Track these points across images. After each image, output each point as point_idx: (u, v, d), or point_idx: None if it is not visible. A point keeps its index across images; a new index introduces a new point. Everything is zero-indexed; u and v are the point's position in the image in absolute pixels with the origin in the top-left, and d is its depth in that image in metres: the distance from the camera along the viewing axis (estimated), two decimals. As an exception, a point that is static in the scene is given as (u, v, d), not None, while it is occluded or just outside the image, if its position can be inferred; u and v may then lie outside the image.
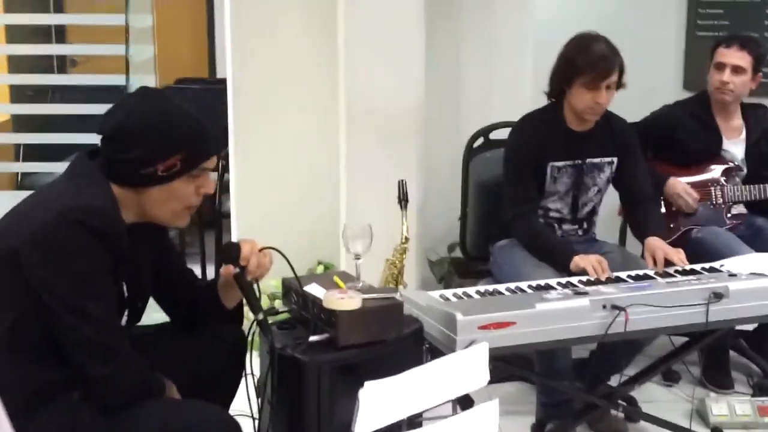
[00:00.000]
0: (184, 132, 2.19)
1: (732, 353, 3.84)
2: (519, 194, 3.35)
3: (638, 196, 3.44)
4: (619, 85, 3.27)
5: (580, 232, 3.50)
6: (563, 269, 3.15)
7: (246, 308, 2.45)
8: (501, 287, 2.90)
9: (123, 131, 2.16)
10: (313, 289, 2.46)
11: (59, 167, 4.80)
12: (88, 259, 2.07)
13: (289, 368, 2.28)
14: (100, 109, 4.46)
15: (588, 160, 3.37)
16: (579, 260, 3.10)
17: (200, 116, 2.25)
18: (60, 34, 6.32)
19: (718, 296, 2.73)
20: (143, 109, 2.19)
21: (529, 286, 2.89)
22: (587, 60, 3.18)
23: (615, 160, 3.42)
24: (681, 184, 3.75)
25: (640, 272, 3.04)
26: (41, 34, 6.11)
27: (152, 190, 2.19)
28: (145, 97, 2.27)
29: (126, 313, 2.29)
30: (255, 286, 2.35)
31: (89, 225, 2.06)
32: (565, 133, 3.36)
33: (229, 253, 2.33)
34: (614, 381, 3.23)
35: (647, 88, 4.56)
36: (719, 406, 3.37)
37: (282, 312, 2.56)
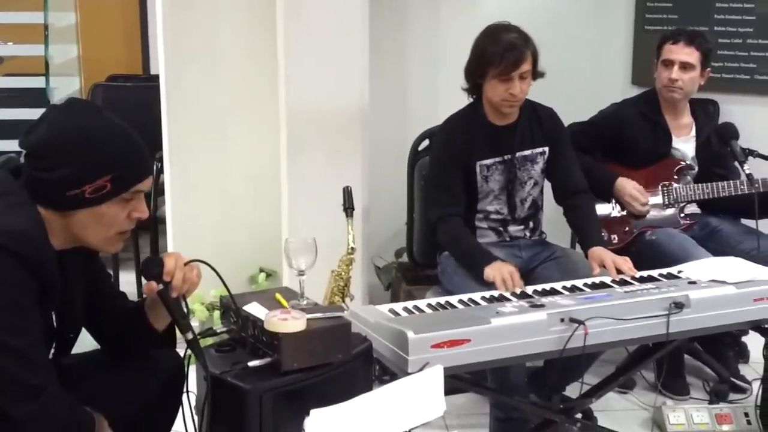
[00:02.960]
0: (114, 150, 2.02)
1: (686, 356, 3.77)
2: (442, 198, 3.27)
3: (572, 188, 3.37)
4: (536, 74, 3.18)
5: (527, 233, 3.41)
6: (478, 277, 3.04)
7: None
8: (453, 299, 2.78)
9: (46, 147, 1.99)
10: (254, 308, 2.30)
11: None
12: (10, 288, 1.90)
13: (228, 396, 2.12)
14: (18, 114, 4.33)
15: (518, 154, 3.29)
16: (489, 271, 2.98)
17: (134, 133, 2.08)
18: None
19: (678, 306, 2.63)
20: (70, 123, 2.02)
21: (483, 298, 2.78)
22: (496, 50, 3.11)
23: (546, 149, 3.35)
24: (630, 185, 3.67)
25: (597, 280, 2.94)
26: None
27: (79, 214, 2.02)
28: (73, 110, 2.08)
29: (54, 345, 2.12)
30: (183, 303, 2.18)
31: (12, 251, 1.88)
32: (489, 130, 3.28)
33: (151, 268, 2.15)
34: (570, 390, 3.14)
35: (595, 84, 4.55)
36: (676, 415, 3.31)
37: (220, 332, 2.39)
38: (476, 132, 3.27)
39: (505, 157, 3.28)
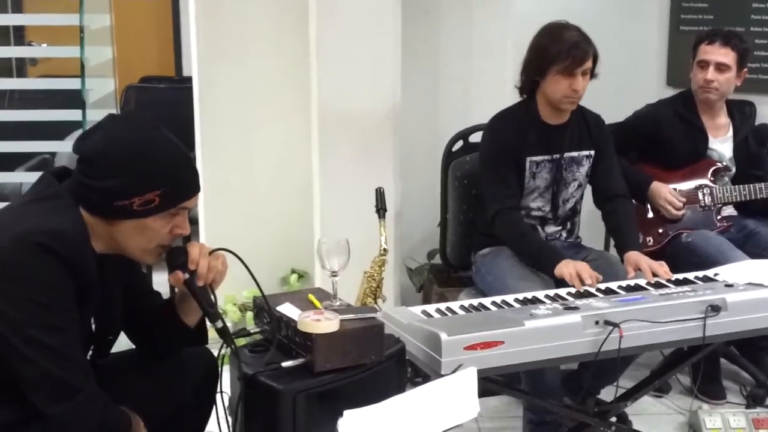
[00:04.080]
0: (167, 166, 2.04)
1: (723, 360, 3.73)
2: (500, 191, 3.24)
3: (611, 191, 3.36)
4: (593, 74, 3.20)
5: (564, 234, 3.39)
6: (546, 272, 3.06)
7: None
8: (486, 301, 2.76)
9: (100, 156, 2.01)
10: (287, 309, 2.30)
11: (11, 177, 4.64)
12: (50, 287, 1.92)
13: (261, 396, 2.12)
14: (53, 115, 4.37)
15: (566, 154, 3.29)
16: (564, 268, 2.98)
17: (186, 150, 2.11)
18: (19, 35, 6.14)
19: (715, 309, 2.60)
20: (126, 135, 2.03)
21: (516, 300, 2.76)
22: (561, 47, 3.12)
23: (592, 153, 3.34)
24: (665, 190, 3.63)
25: (632, 282, 2.91)
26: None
27: (123, 224, 2.04)
28: (130, 122, 2.12)
29: (92, 347, 2.14)
30: (210, 292, 2.18)
31: (54, 250, 1.90)
32: (540, 127, 3.28)
33: (175, 258, 2.15)
34: (605, 393, 3.11)
35: (629, 85, 4.50)
36: (713, 419, 3.26)
37: (254, 332, 2.39)
38: (528, 128, 3.27)
39: (554, 156, 3.27)
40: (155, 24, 6.62)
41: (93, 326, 2.11)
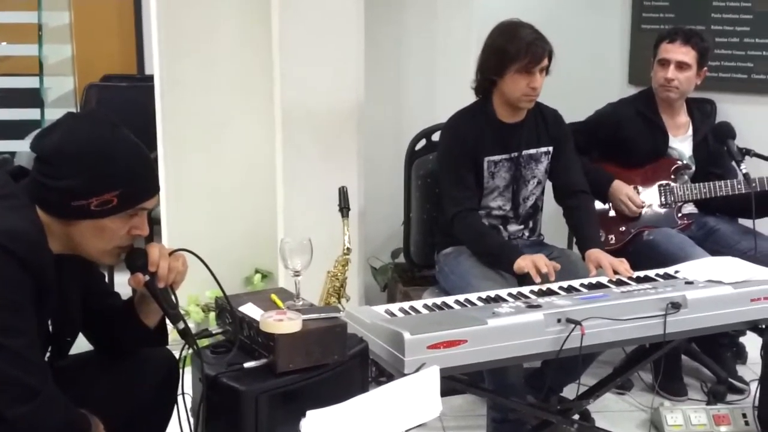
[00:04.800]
0: (126, 166, 2.00)
1: (684, 357, 3.76)
2: (458, 193, 3.25)
3: (572, 187, 3.38)
4: (547, 71, 3.21)
5: (526, 233, 3.40)
6: (507, 271, 3.08)
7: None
8: (449, 300, 2.77)
9: (58, 155, 1.97)
10: (249, 309, 2.28)
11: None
12: (7, 289, 1.88)
13: (223, 397, 2.11)
14: (12, 114, 4.32)
15: (524, 152, 3.30)
16: (522, 262, 3.01)
17: (145, 150, 2.08)
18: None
19: (675, 306, 2.62)
20: (84, 134, 2.00)
21: (479, 298, 2.76)
22: (519, 46, 3.12)
23: (551, 149, 3.36)
24: (624, 189, 3.65)
25: (594, 280, 2.93)
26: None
27: (81, 224, 2.00)
28: (89, 121, 2.06)
29: (50, 348, 2.11)
30: (171, 294, 2.16)
31: (11, 250, 1.87)
32: (497, 126, 3.29)
33: (135, 260, 2.12)
34: (568, 391, 3.12)
35: (592, 84, 4.53)
36: (674, 416, 3.29)
37: (216, 333, 2.37)
38: (485, 128, 3.27)
39: (512, 154, 3.28)
40: (116, 21, 6.56)
41: (51, 327, 2.08)
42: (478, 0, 4.28)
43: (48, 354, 2.12)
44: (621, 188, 3.66)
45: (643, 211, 3.66)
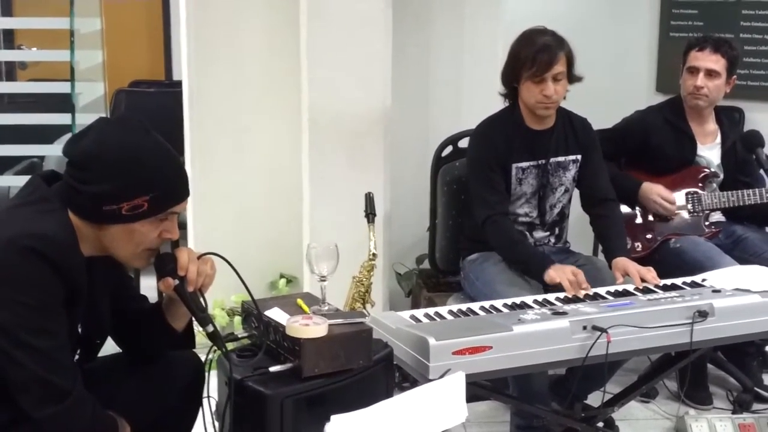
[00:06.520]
0: (157, 171, 2.03)
1: (709, 366, 3.73)
2: (489, 197, 3.24)
3: (599, 195, 3.36)
4: (573, 78, 3.19)
5: (552, 240, 3.39)
6: (537, 279, 3.06)
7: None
8: (474, 306, 2.77)
9: (90, 160, 2.00)
10: (275, 313, 2.29)
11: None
12: (39, 290, 1.91)
13: (249, 401, 2.12)
14: (43, 119, 4.37)
15: (552, 159, 3.29)
16: (553, 273, 2.99)
17: (176, 155, 2.10)
18: (9, 38, 6.14)
19: (702, 315, 2.61)
20: (116, 139, 2.02)
21: (504, 305, 2.76)
22: (528, 53, 3.12)
23: (579, 157, 3.34)
24: (656, 189, 3.64)
25: (620, 288, 2.91)
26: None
27: (112, 228, 2.03)
28: (121, 126, 2.09)
29: (79, 350, 2.13)
30: (200, 297, 2.18)
31: (44, 253, 1.90)
32: (526, 133, 3.28)
33: (164, 264, 2.14)
34: (592, 398, 3.11)
35: (619, 91, 4.51)
36: (699, 425, 3.26)
37: (242, 337, 2.39)
38: (513, 134, 3.26)
39: (540, 161, 3.27)
40: (146, 28, 6.62)
41: (80, 329, 2.11)
42: (506, 7, 4.28)
43: (77, 356, 2.14)
44: (651, 188, 3.64)
45: (676, 209, 3.64)
